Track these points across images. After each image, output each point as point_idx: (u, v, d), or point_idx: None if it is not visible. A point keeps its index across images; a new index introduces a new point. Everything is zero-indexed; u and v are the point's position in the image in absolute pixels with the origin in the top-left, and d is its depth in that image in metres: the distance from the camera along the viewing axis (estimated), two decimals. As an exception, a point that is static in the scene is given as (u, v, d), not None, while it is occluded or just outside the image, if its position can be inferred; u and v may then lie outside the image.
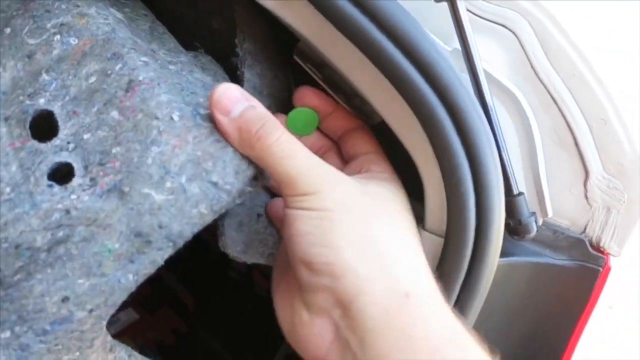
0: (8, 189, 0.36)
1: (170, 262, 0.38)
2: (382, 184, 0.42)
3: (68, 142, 0.38)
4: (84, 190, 0.37)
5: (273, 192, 0.49)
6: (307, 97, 0.46)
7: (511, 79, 0.45)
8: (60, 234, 0.36)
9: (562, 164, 0.45)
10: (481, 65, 0.41)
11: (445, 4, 0.41)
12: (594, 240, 0.47)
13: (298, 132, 0.46)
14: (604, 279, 0.47)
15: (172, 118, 0.38)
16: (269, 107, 0.40)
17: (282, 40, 0.51)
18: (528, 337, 0.50)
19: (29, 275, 0.35)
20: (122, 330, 0.84)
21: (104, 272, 0.36)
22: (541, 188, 0.45)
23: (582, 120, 0.44)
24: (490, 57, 0.45)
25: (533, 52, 0.44)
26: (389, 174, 0.44)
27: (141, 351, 0.42)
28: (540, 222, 0.46)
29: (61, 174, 0.37)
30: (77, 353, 0.36)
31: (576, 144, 0.45)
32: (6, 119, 0.37)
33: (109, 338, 0.39)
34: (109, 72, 0.38)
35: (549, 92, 0.45)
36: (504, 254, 0.42)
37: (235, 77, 0.47)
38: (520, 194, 0.43)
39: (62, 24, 0.39)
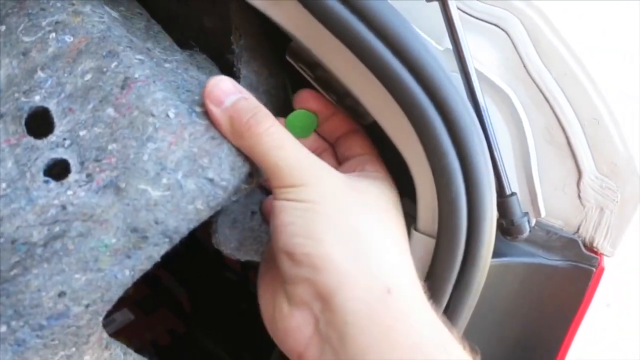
0: (4, 185, 0.36)
1: (166, 262, 0.39)
2: (374, 182, 0.42)
3: (64, 139, 0.38)
4: (80, 186, 0.37)
5: (268, 191, 0.48)
6: (307, 100, 0.46)
7: (503, 78, 0.45)
8: (57, 229, 0.36)
9: (554, 164, 0.45)
10: (473, 64, 0.41)
11: (436, 3, 0.40)
12: (587, 240, 0.47)
13: (296, 134, 0.45)
14: (598, 279, 0.46)
15: (167, 115, 0.38)
16: (265, 104, 0.40)
17: (276, 39, 0.50)
18: (521, 338, 0.50)
19: (26, 270, 0.35)
20: (117, 331, 0.84)
21: (101, 267, 0.36)
22: (534, 188, 0.45)
23: (575, 119, 0.44)
24: (482, 56, 0.45)
25: (525, 51, 0.44)
26: (382, 173, 0.44)
27: (137, 352, 0.43)
28: (533, 223, 0.45)
29: (57, 170, 0.38)
30: (73, 349, 0.36)
31: (569, 143, 0.45)
32: (1, 116, 0.37)
33: (105, 335, 0.39)
34: (105, 69, 0.39)
35: (541, 91, 0.44)
36: (496, 254, 0.42)
37: (231, 75, 0.47)
38: (512, 194, 0.43)
39: (57, 22, 0.39)
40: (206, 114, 0.40)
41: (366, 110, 0.43)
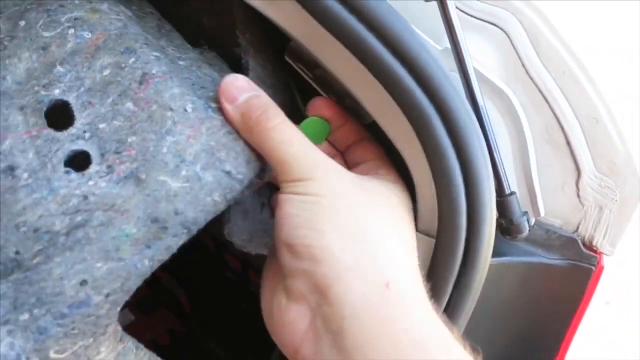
0: (25, 175, 0.37)
1: (167, 263, 0.39)
2: (384, 183, 0.42)
3: (84, 131, 0.39)
4: (101, 177, 0.38)
5: (276, 188, 0.49)
6: (321, 108, 0.46)
7: (502, 78, 0.45)
8: (79, 218, 0.37)
9: (554, 163, 0.45)
10: (472, 64, 0.41)
11: (435, 3, 0.41)
12: (586, 239, 0.47)
13: None
14: (597, 278, 0.46)
15: (185, 110, 0.39)
16: (272, 98, 0.41)
17: (275, 39, 0.50)
18: (521, 337, 0.50)
19: (48, 258, 0.36)
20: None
21: (122, 256, 0.36)
22: (533, 187, 0.45)
23: (574, 119, 0.44)
24: (481, 56, 0.45)
25: (524, 51, 0.44)
26: (394, 177, 0.44)
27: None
28: (532, 222, 0.45)
29: (78, 162, 0.38)
30: (91, 339, 0.37)
31: (568, 142, 0.45)
32: (21, 108, 0.38)
33: (119, 328, 0.39)
34: (123, 65, 0.40)
35: (540, 91, 0.44)
36: (496, 253, 0.42)
37: (237, 71, 0.47)
38: (512, 193, 0.43)
39: (76, 18, 0.40)
40: (221, 110, 0.41)
41: (366, 111, 0.43)
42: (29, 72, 0.39)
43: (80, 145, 0.38)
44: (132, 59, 0.40)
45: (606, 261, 0.48)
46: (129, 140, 0.38)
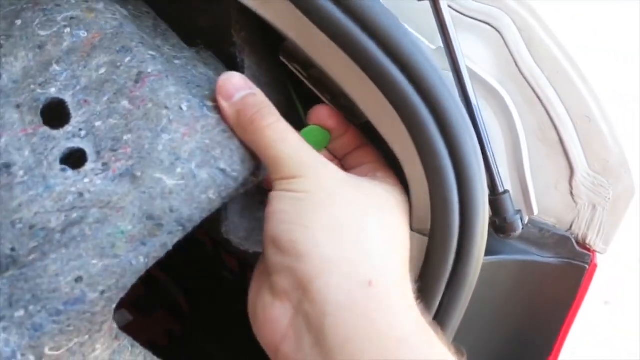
0: (21, 172, 0.37)
1: (164, 263, 0.39)
2: (381, 184, 0.42)
3: (80, 129, 0.39)
4: (96, 174, 0.38)
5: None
6: (323, 117, 0.45)
7: (495, 77, 0.45)
8: (74, 215, 0.37)
9: (547, 162, 0.45)
10: (465, 63, 0.41)
11: (427, 2, 0.41)
12: (580, 237, 0.47)
13: None
14: (591, 276, 0.47)
15: (181, 108, 0.40)
16: (267, 96, 0.42)
17: (271, 37, 0.51)
18: (515, 335, 0.50)
19: (44, 255, 0.36)
20: (115, 332, 0.83)
21: (117, 253, 0.37)
22: (526, 186, 0.45)
23: (567, 117, 0.44)
24: (474, 55, 0.45)
25: (517, 50, 0.44)
26: (392, 179, 0.44)
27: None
28: (526, 220, 0.45)
29: (74, 160, 0.39)
30: (87, 336, 0.37)
31: (561, 141, 0.45)
32: (18, 106, 0.39)
33: (115, 326, 0.39)
34: (119, 64, 0.40)
35: (533, 89, 0.45)
36: (490, 252, 0.42)
37: (232, 69, 0.47)
38: (505, 192, 0.43)
39: (72, 18, 0.41)
40: (217, 109, 0.41)
41: (360, 110, 0.43)
42: (25, 71, 0.40)
43: (76, 143, 0.39)
44: (128, 58, 0.40)
45: (604, 260, 0.48)
46: (125, 138, 0.39)
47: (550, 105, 0.44)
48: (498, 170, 0.42)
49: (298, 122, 0.44)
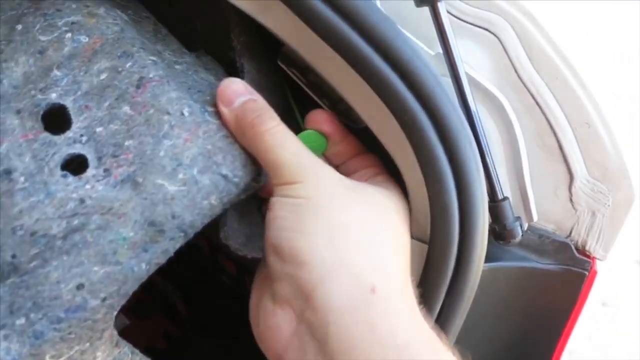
0: (22, 179, 0.37)
1: (162, 267, 0.39)
2: (380, 189, 0.42)
3: (81, 135, 0.39)
4: (98, 180, 0.38)
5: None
6: (320, 122, 0.45)
7: (494, 83, 0.45)
8: (76, 222, 0.37)
9: (546, 168, 0.45)
10: (464, 69, 0.41)
11: (426, 8, 0.40)
12: (579, 244, 0.47)
13: None
14: (591, 282, 0.46)
15: (182, 114, 0.39)
16: (267, 100, 0.42)
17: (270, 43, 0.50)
18: (515, 342, 0.50)
19: (45, 262, 0.36)
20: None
21: (119, 260, 0.36)
22: (526, 192, 0.45)
23: (566, 123, 0.44)
24: (473, 60, 0.45)
25: (516, 56, 0.44)
26: (392, 184, 0.43)
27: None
28: (525, 227, 0.45)
29: (75, 166, 0.38)
30: (88, 344, 0.37)
31: (560, 147, 0.45)
32: (18, 112, 0.38)
33: (115, 333, 0.39)
34: (120, 69, 0.40)
35: (532, 95, 0.44)
36: (489, 259, 0.42)
37: (232, 74, 0.47)
38: (505, 198, 0.43)
39: (73, 23, 0.40)
40: (218, 114, 0.41)
41: (359, 116, 0.43)
42: (26, 76, 0.39)
43: (77, 149, 0.38)
44: (129, 63, 0.40)
45: (601, 262, 0.48)
46: (126, 143, 0.38)
47: (550, 112, 0.44)
48: (497, 177, 0.42)
49: (296, 128, 0.44)
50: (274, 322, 0.39)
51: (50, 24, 0.40)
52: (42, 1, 0.41)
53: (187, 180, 0.38)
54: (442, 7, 0.40)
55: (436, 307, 0.42)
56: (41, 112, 0.39)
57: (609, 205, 0.45)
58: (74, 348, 0.36)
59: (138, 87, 0.40)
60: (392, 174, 0.44)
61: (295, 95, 0.51)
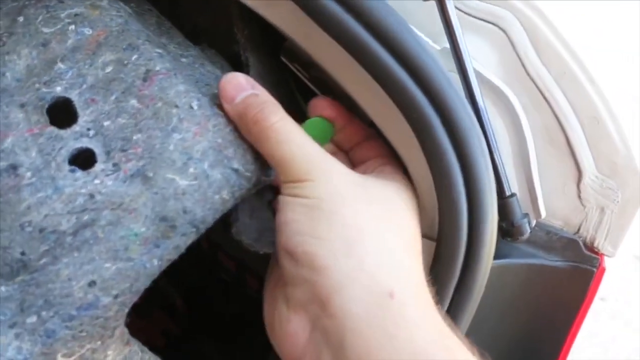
0: (29, 174, 0.36)
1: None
2: (389, 183, 0.41)
3: (88, 129, 0.38)
4: (107, 175, 0.37)
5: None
6: (324, 108, 0.44)
7: (502, 78, 0.44)
8: (86, 217, 0.36)
9: (554, 164, 0.45)
10: (471, 64, 0.41)
11: (433, 2, 0.40)
12: (587, 240, 0.46)
13: None
14: (599, 279, 0.46)
15: (191, 107, 0.39)
16: (272, 94, 0.41)
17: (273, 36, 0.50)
18: (523, 339, 0.49)
19: (56, 259, 0.35)
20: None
21: (131, 256, 0.36)
22: (534, 189, 0.45)
23: (574, 119, 0.44)
24: (481, 56, 0.44)
25: (524, 51, 0.44)
26: (400, 176, 0.42)
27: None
28: (533, 224, 0.45)
29: (83, 160, 0.38)
30: (99, 342, 0.36)
31: (568, 143, 0.44)
32: (22, 106, 0.38)
33: (126, 330, 0.39)
34: (126, 62, 0.39)
35: (540, 91, 0.44)
36: (497, 256, 0.42)
37: (237, 68, 0.47)
38: (512, 195, 0.43)
39: (76, 15, 0.40)
40: None
41: (363, 112, 0.42)
42: (29, 69, 0.39)
43: (84, 143, 0.38)
44: (135, 56, 0.39)
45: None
46: (135, 137, 0.38)
47: (558, 107, 0.44)
48: (505, 173, 0.42)
49: (303, 120, 0.43)
50: (289, 328, 0.38)
51: (52, 15, 0.40)
52: None
53: (198, 175, 0.38)
54: (449, 2, 0.40)
55: (445, 304, 0.42)
56: (46, 106, 0.38)
57: (617, 202, 0.45)
58: (86, 346, 0.36)
59: (145, 80, 0.39)
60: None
61: (299, 90, 0.50)
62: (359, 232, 0.37)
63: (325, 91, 0.46)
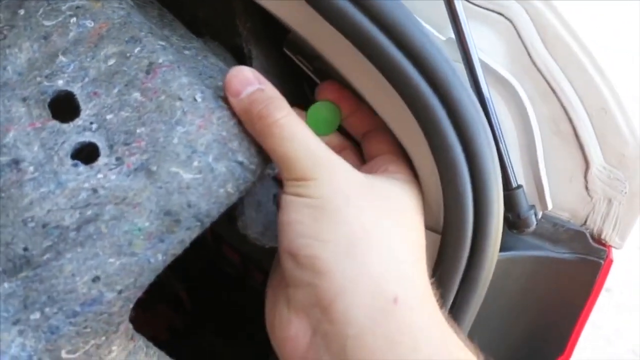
0: (31, 169, 0.36)
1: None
2: (395, 183, 0.40)
3: (91, 123, 0.38)
4: (110, 169, 0.37)
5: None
6: (331, 92, 0.43)
7: (508, 68, 0.44)
8: (89, 212, 0.36)
9: (561, 155, 0.44)
10: (477, 54, 0.40)
11: (438, -7, 0.40)
12: (595, 232, 0.46)
13: (319, 129, 0.42)
14: (606, 271, 0.46)
15: (195, 99, 0.38)
16: (277, 87, 0.40)
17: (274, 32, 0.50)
18: (529, 332, 0.49)
19: (59, 254, 0.35)
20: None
21: (135, 251, 0.36)
22: (540, 180, 0.44)
23: (582, 109, 0.43)
24: (486, 46, 0.44)
25: (530, 41, 0.43)
26: (405, 174, 0.41)
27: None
28: (539, 215, 0.45)
29: (86, 154, 0.38)
30: (104, 338, 0.36)
31: (576, 134, 0.44)
32: (24, 99, 0.38)
33: (130, 326, 0.38)
34: (128, 54, 0.39)
35: (547, 81, 0.44)
36: (503, 248, 0.42)
37: (241, 61, 0.46)
38: (519, 186, 0.42)
39: (77, 7, 0.39)
40: None
41: (369, 103, 0.42)
42: (31, 63, 0.38)
43: (87, 137, 0.37)
44: (138, 48, 0.39)
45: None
46: (138, 131, 0.37)
47: (565, 97, 0.43)
48: (511, 165, 0.42)
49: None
50: (291, 331, 0.37)
51: (53, 8, 0.39)
52: None
53: (202, 168, 0.37)
54: (454, -9, 0.39)
55: (450, 297, 0.42)
56: (48, 100, 0.38)
57: (625, 193, 0.45)
58: (90, 342, 0.35)
59: (148, 72, 0.38)
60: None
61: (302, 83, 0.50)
62: (363, 232, 0.36)
63: (329, 83, 0.46)
